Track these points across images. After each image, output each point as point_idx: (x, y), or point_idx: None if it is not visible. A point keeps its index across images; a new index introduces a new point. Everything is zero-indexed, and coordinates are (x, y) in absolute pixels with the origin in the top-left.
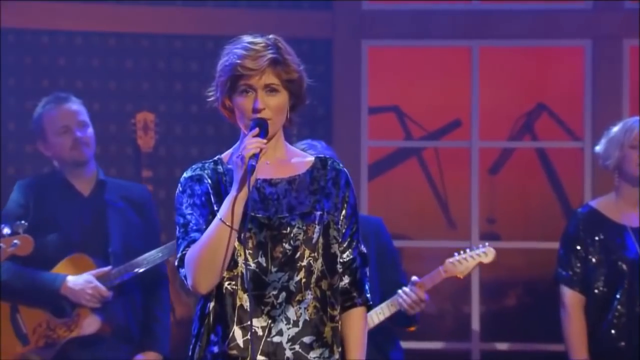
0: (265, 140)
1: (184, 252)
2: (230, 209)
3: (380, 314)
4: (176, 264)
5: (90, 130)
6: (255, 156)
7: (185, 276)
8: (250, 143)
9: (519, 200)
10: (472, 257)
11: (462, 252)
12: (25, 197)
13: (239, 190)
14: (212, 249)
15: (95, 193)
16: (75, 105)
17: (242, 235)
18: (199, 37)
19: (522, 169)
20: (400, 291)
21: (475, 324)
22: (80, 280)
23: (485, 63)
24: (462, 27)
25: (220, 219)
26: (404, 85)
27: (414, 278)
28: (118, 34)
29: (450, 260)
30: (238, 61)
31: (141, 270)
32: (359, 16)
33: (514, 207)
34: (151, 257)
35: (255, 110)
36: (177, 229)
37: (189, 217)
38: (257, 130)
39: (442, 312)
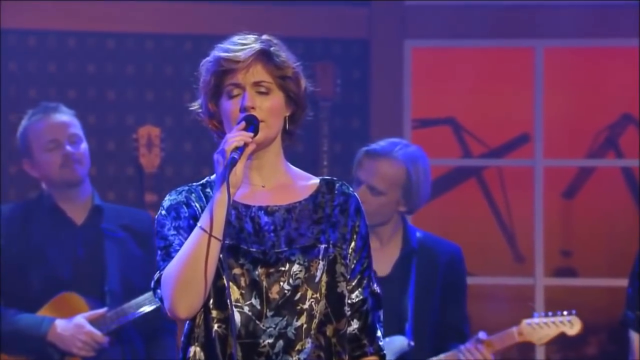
0: (251, 134)
1: (161, 273)
2: (209, 213)
3: None
4: (152, 285)
5: (84, 146)
6: (239, 150)
7: (161, 298)
8: (233, 136)
9: (600, 229)
10: (555, 324)
11: (542, 314)
12: (6, 226)
13: (222, 191)
14: (191, 262)
15: (90, 221)
16: (66, 116)
17: (233, 271)
18: (213, 38)
19: (604, 192)
20: (463, 347)
21: None
22: (70, 324)
23: (552, 66)
24: (524, 25)
25: (200, 226)
26: (457, 94)
27: (481, 335)
28: (117, 34)
29: (528, 321)
30: (222, 54)
31: (143, 312)
32: (401, 12)
33: (594, 237)
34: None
35: (244, 109)
36: (158, 253)
37: (172, 238)
38: (243, 124)
39: None
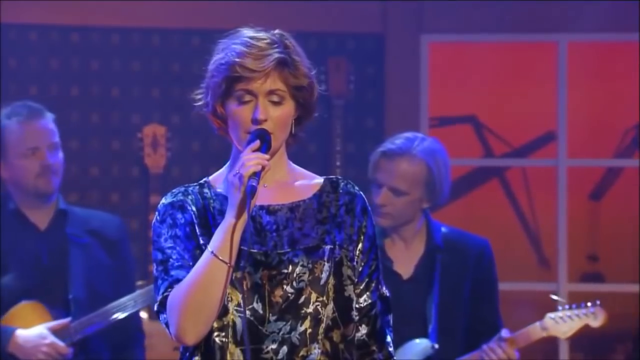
0: (267, 156)
1: (165, 294)
2: (225, 240)
3: None
4: (155, 309)
5: (61, 155)
6: (256, 175)
7: (167, 323)
8: (249, 159)
9: (628, 233)
10: (579, 317)
11: (566, 307)
12: None
13: (237, 216)
14: (202, 290)
15: (54, 226)
16: (50, 123)
17: (235, 275)
18: (221, 33)
19: (633, 194)
20: (485, 347)
21: None
22: (32, 334)
23: (576, 62)
24: (547, 18)
25: (212, 252)
26: (477, 91)
27: (504, 332)
28: (122, 29)
29: (552, 315)
30: (237, 60)
31: (109, 321)
32: (418, 6)
33: (622, 241)
34: (122, 305)
35: (256, 121)
36: (155, 266)
37: (169, 251)
38: (257, 143)
39: None
